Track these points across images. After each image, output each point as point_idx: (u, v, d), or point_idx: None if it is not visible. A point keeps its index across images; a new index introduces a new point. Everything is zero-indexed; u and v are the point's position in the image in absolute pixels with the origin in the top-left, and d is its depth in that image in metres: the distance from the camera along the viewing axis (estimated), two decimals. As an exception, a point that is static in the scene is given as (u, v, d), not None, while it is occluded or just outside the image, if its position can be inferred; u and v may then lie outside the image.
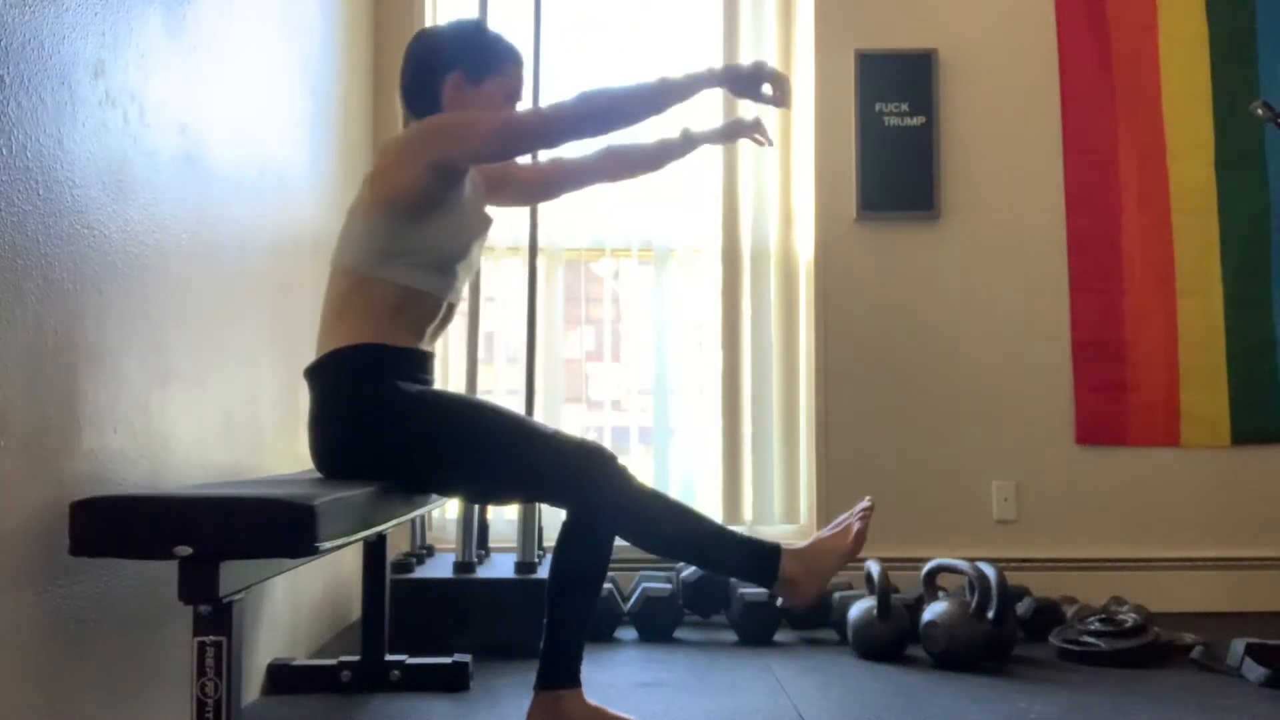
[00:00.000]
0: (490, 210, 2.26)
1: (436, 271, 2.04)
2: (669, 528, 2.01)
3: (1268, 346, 3.66)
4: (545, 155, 2.45)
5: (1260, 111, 2.70)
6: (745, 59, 3.73)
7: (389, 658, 2.51)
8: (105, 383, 1.72)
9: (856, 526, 2.06)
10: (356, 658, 2.51)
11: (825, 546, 2.06)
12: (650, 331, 3.75)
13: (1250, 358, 3.65)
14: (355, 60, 3.43)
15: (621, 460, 2.00)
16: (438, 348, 3.63)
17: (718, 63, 2.10)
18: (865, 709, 2.34)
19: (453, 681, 2.51)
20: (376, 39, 3.68)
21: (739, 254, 3.71)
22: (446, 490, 2.12)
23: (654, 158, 2.43)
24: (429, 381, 2.11)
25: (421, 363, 2.09)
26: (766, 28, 3.76)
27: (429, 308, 2.07)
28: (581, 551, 2.01)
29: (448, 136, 1.97)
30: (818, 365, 3.65)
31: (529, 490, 2.01)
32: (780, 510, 3.67)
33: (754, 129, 2.38)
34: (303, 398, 2.80)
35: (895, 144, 3.67)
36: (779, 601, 2.12)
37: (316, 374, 2.03)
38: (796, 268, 3.74)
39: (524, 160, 2.39)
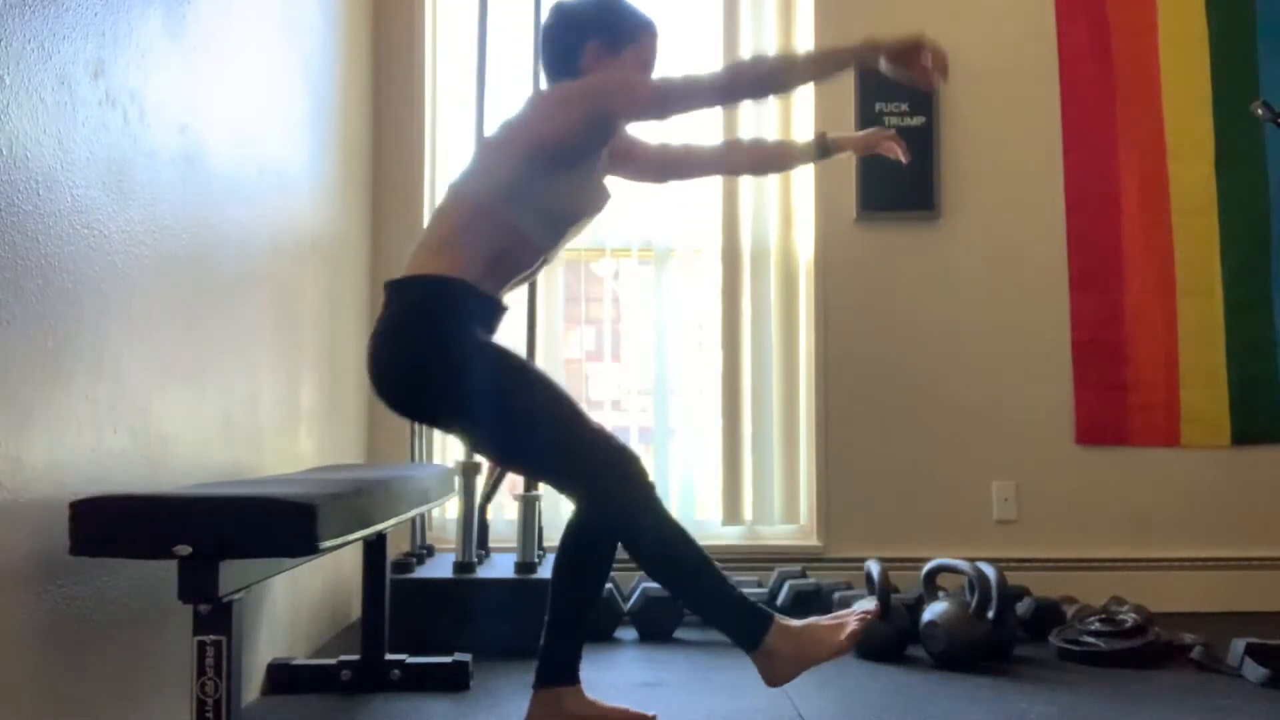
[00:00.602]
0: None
1: (552, 225, 2.06)
2: (674, 554, 1.96)
3: (1268, 346, 3.66)
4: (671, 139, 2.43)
5: (1260, 111, 2.70)
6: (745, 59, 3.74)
7: (389, 657, 2.51)
8: (105, 383, 1.72)
9: (852, 627, 1.97)
10: (356, 657, 2.51)
11: (818, 636, 1.96)
12: (650, 331, 3.75)
13: (1250, 358, 3.65)
14: (355, 60, 3.43)
15: (642, 465, 1.98)
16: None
17: (883, 38, 2.06)
18: (865, 709, 2.34)
19: (453, 681, 2.51)
20: (376, 39, 3.68)
21: (739, 254, 3.70)
22: (479, 438, 2.06)
23: (781, 159, 2.43)
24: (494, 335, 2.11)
25: (497, 314, 2.09)
26: (766, 28, 3.76)
27: (528, 258, 2.08)
28: (585, 550, 2.01)
29: (610, 92, 2.00)
30: (818, 365, 3.65)
31: (554, 466, 1.97)
32: (780, 510, 3.67)
33: (893, 139, 2.37)
34: (303, 397, 2.81)
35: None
36: (760, 675, 2.00)
37: (401, 290, 2.02)
38: (796, 268, 3.73)
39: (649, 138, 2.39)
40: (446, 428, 2.07)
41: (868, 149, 2.44)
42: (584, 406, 2.04)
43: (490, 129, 3.13)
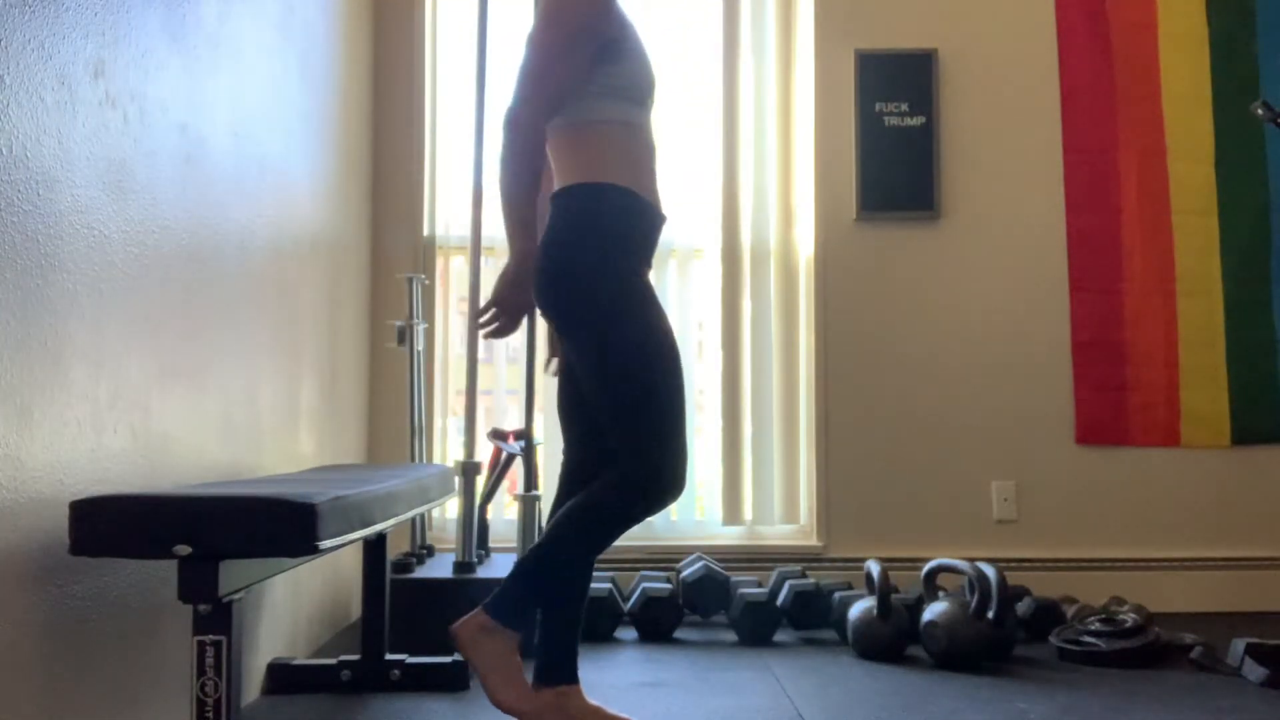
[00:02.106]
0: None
1: (638, 104, 2.06)
2: (572, 575, 2.01)
3: (1268, 346, 3.66)
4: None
5: (1260, 111, 2.70)
6: (745, 59, 3.74)
7: (389, 657, 2.51)
8: (105, 383, 1.72)
9: None
10: (356, 657, 2.51)
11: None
12: (650, 331, 3.74)
13: (1250, 358, 3.65)
14: (355, 60, 3.43)
15: (667, 501, 1.99)
16: (437, 349, 3.64)
17: (510, 267, 2.03)
18: (865, 709, 2.34)
19: (453, 681, 2.51)
20: (376, 39, 3.68)
21: (739, 254, 3.71)
22: (591, 372, 2.02)
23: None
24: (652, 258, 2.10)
25: (658, 229, 2.09)
26: (766, 28, 3.76)
27: (646, 142, 2.08)
28: (574, 538, 2.00)
29: (528, 58, 1.99)
30: (818, 365, 3.65)
31: (623, 427, 1.97)
32: (780, 510, 3.67)
33: (551, 354, 2.31)
34: (303, 397, 2.81)
35: (895, 144, 3.67)
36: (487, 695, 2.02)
37: (569, 198, 2.02)
38: (796, 267, 3.74)
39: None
40: (574, 352, 2.02)
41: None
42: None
43: (490, 129, 3.13)
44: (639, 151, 2.07)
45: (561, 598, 2.04)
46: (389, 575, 2.61)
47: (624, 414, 1.98)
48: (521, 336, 3.31)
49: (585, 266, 1.98)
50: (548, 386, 3.63)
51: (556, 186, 2.07)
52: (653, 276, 2.14)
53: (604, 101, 2.03)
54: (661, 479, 1.96)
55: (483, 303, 2.27)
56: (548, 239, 2.02)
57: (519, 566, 2.00)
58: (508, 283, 2.02)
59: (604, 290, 1.97)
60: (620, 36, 2.05)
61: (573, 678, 2.02)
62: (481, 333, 2.10)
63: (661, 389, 1.96)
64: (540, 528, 3.13)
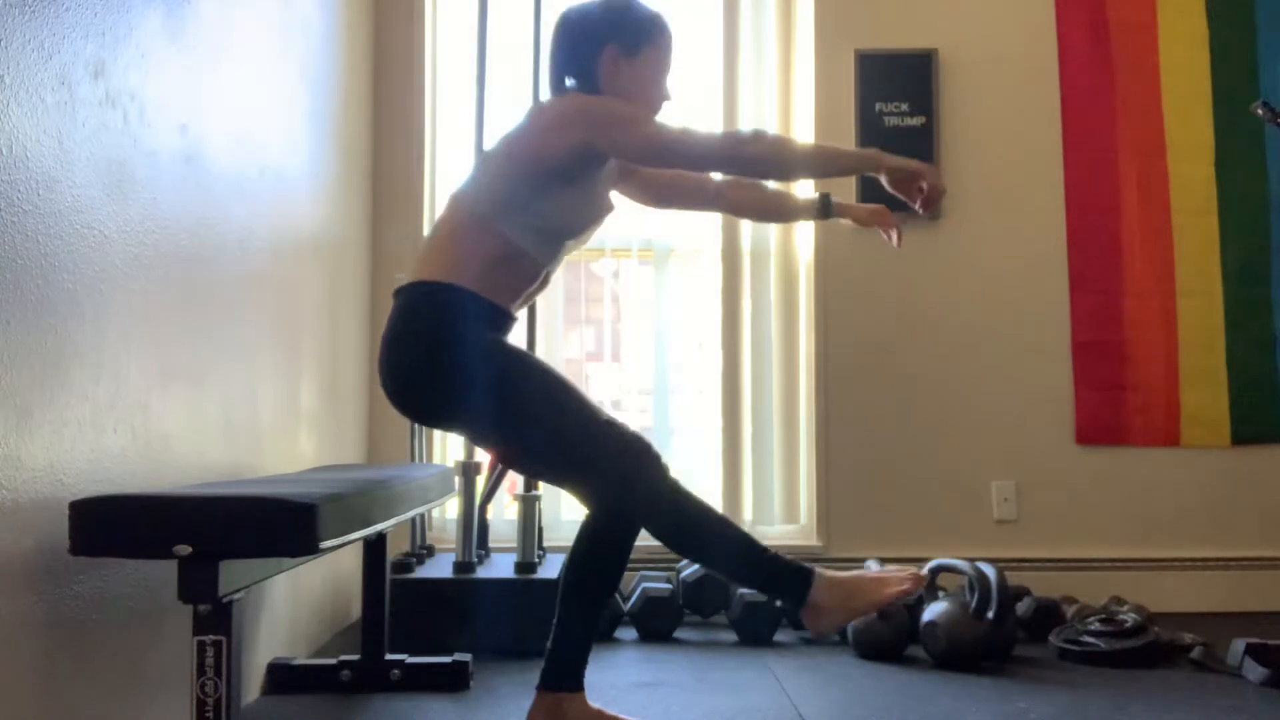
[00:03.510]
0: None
1: (547, 240, 2.05)
2: (702, 533, 1.96)
3: (1268, 346, 3.66)
4: None
5: (1260, 111, 2.70)
6: (745, 59, 3.74)
7: (389, 657, 2.51)
8: (105, 383, 1.72)
9: (899, 587, 1.98)
10: (356, 657, 2.51)
11: (863, 585, 1.99)
12: (650, 331, 3.75)
13: (1250, 358, 3.65)
14: (355, 60, 3.43)
15: (657, 452, 1.97)
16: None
17: (885, 154, 2.05)
18: (865, 709, 2.34)
19: (453, 681, 2.51)
20: (376, 38, 3.68)
21: (739, 254, 3.70)
22: (487, 440, 2.08)
23: (782, 210, 2.42)
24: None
25: (506, 323, 2.09)
26: (766, 28, 3.76)
27: (527, 272, 2.07)
28: (597, 554, 2.00)
29: (607, 124, 1.98)
30: (818, 365, 3.65)
31: (565, 463, 1.97)
32: (780, 510, 3.67)
33: (894, 225, 2.33)
34: (303, 397, 2.81)
35: (895, 144, 3.66)
36: (806, 626, 2.05)
37: (407, 295, 2.02)
38: (796, 268, 3.73)
39: None
40: (454, 429, 2.07)
41: (869, 224, 2.39)
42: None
43: (490, 129, 3.13)
44: (516, 277, 2.05)
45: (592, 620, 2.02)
46: (389, 575, 2.61)
47: (545, 456, 1.98)
48: (521, 336, 3.31)
49: (425, 359, 1.95)
50: (548, 386, 3.62)
51: (413, 276, 2.04)
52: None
53: (520, 226, 2.01)
54: (626, 462, 1.92)
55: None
56: (388, 339, 2.00)
57: (556, 630, 1.98)
58: (898, 161, 2.02)
59: (455, 372, 1.94)
60: (596, 169, 2.04)
61: (577, 685, 2.00)
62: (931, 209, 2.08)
63: (549, 409, 1.93)
64: (540, 528, 3.14)
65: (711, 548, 1.99)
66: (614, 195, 2.29)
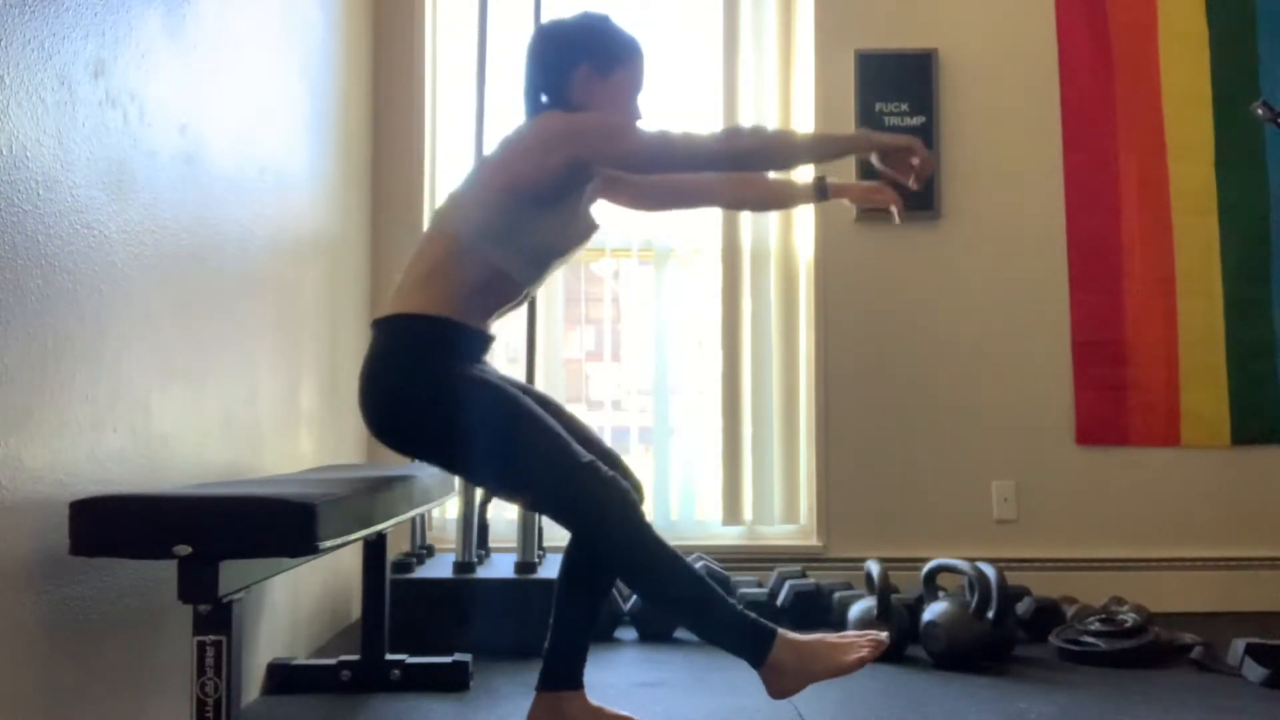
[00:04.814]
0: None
1: (532, 263, 2.04)
2: (670, 583, 1.91)
3: (1268, 346, 3.66)
4: None
5: (1260, 111, 2.70)
6: (745, 59, 3.74)
7: (389, 657, 2.51)
8: (105, 383, 1.72)
9: (863, 653, 1.94)
10: (356, 657, 2.51)
11: (823, 651, 1.95)
12: (650, 331, 3.75)
13: (1250, 358, 3.65)
14: (355, 60, 3.43)
15: (634, 498, 1.92)
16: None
17: (874, 132, 2.06)
18: (865, 709, 2.34)
19: (453, 681, 2.51)
20: (376, 39, 3.68)
21: (739, 254, 3.70)
22: (468, 474, 2.07)
23: (781, 197, 2.40)
24: (485, 363, 2.09)
25: (485, 345, 2.08)
26: (766, 28, 3.76)
27: (510, 293, 2.06)
28: (590, 564, 2.00)
29: (595, 138, 1.96)
30: (818, 365, 3.65)
31: (543, 502, 1.95)
32: (780, 510, 3.67)
33: (892, 199, 2.34)
34: (303, 397, 2.81)
35: (903, 212, 3.66)
36: (765, 688, 1.99)
37: (385, 328, 2.00)
38: (796, 268, 3.73)
39: None
40: (436, 464, 2.04)
41: (865, 200, 2.40)
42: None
43: (490, 130, 3.13)
44: (492, 297, 2.03)
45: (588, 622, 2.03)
46: (389, 575, 2.61)
47: (525, 496, 1.98)
48: (521, 336, 3.31)
49: (403, 394, 1.94)
50: (548, 386, 3.63)
51: (387, 309, 2.02)
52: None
53: (505, 253, 1.99)
54: (600, 511, 1.87)
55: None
56: (365, 373, 1.99)
57: (554, 630, 1.98)
58: (885, 138, 2.04)
59: (429, 407, 1.93)
60: (581, 187, 2.03)
61: (576, 684, 2.01)
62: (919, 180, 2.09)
63: (531, 451, 1.90)
64: (540, 528, 3.14)
65: (680, 599, 1.92)
66: (613, 206, 2.29)
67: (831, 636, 1.99)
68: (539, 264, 2.06)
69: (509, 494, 2.05)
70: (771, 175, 2.43)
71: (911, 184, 2.09)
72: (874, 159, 2.09)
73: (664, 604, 1.95)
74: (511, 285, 2.04)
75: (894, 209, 2.36)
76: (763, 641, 1.92)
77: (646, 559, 1.89)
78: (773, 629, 1.94)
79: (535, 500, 1.96)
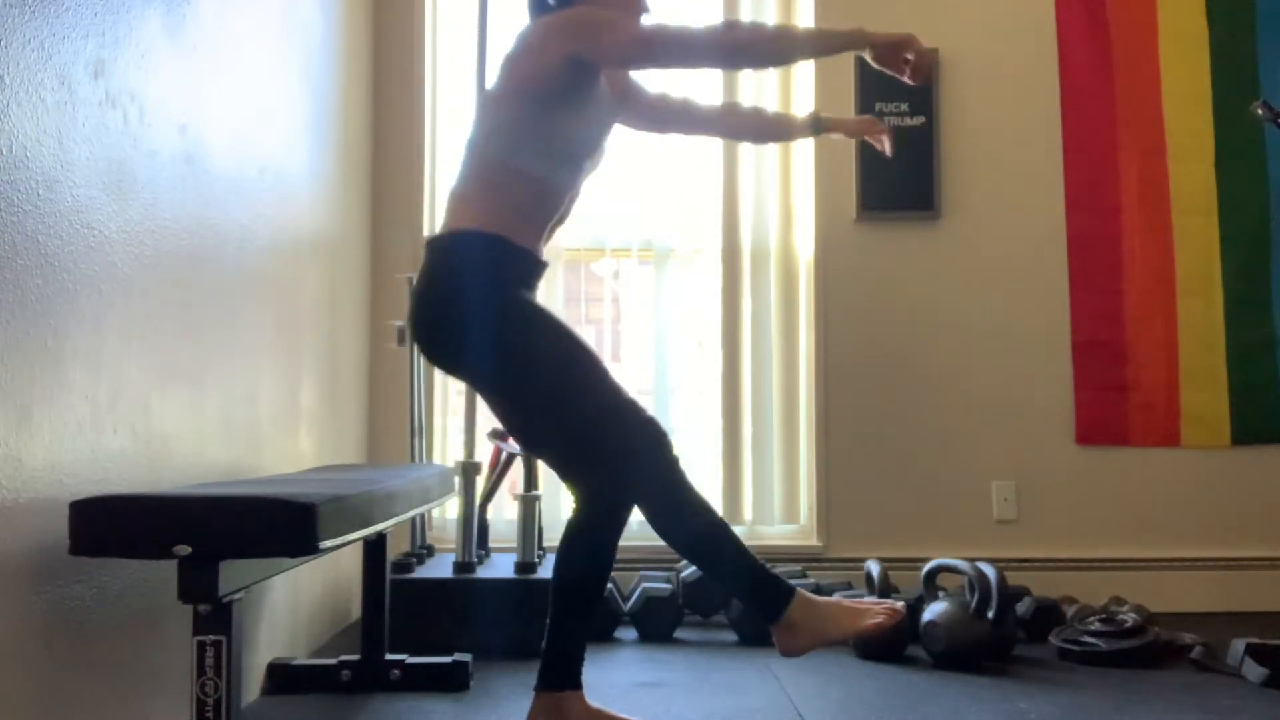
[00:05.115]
0: None
1: (566, 162, 2.05)
2: (702, 530, 1.97)
3: (1268, 346, 3.66)
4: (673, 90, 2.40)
5: (1260, 111, 2.70)
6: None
7: (389, 657, 2.51)
8: (105, 383, 1.72)
9: (879, 619, 1.97)
10: (356, 657, 2.51)
11: (837, 613, 1.97)
12: (650, 331, 3.75)
13: (1250, 358, 3.65)
14: (355, 60, 3.43)
15: (670, 440, 1.98)
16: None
17: (873, 32, 2.04)
18: (865, 709, 2.34)
19: (453, 681, 2.51)
20: (376, 39, 3.68)
21: (739, 254, 3.70)
22: (502, 403, 2.04)
23: (775, 130, 2.40)
24: (535, 293, 2.10)
25: (538, 271, 2.09)
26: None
27: (554, 201, 2.06)
28: (585, 550, 2.00)
29: (590, 32, 1.94)
30: (818, 365, 3.65)
31: (579, 440, 1.96)
32: (780, 510, 3.67)
33: (884, 131, 2.35)
34: (303, 397, 2.81)
35: (895, 144, 3.66)
36: (776, 645, 2.04)
37: (438, 247, 2.01)
38: (796, 268, 3.73)
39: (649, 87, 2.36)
40: (478, 386, 2.05)
41: (858, 134, 2.43)
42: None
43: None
44: (538, 209, 2.04)
45: (585, 616, 2.02)
46: (389, 575, 2.61)
47: (558, 431, 1.97)
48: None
49: (457, 312, 1.96)
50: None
51: (443, 227, 2.03)
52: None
53: (535, 155, 2.00)
54: (642, 452, 1.92)
55: None
56: (418, 290, 2.00)
57: (550, 630, 1.98)
58: (881, 34, 2.02)
59: (482, 327, 1.94)
60: (590, 85, 2.02)
61: (575, 683, 2.01)
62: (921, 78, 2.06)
63: (575, 382, 1.94)
64: (540, 528, 3.14)
65: (708, 546, 1.98)
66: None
67: (848, 601, 2.04)
68: (572, 163, 2.06)
69: (550, 427, 2.01)
70: (769, 111, 2.42)
71: (908, 79, 2.06)
72: (868, 56, 2.06)
73: (693, 545, 1.99)
74: (552, 192, 2.05)
75: (886, 140, 2.36)
76: (781, 597, 1.96)
77: (681, 498, 1.95)
78: (792, 587, 1.98)
79: (576, 436, 1.96)
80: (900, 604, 1.98)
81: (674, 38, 1.92)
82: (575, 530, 2.00)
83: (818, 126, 2.39)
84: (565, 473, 2.03)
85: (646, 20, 2.03)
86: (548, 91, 1.98)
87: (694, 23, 1.94)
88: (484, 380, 2.03)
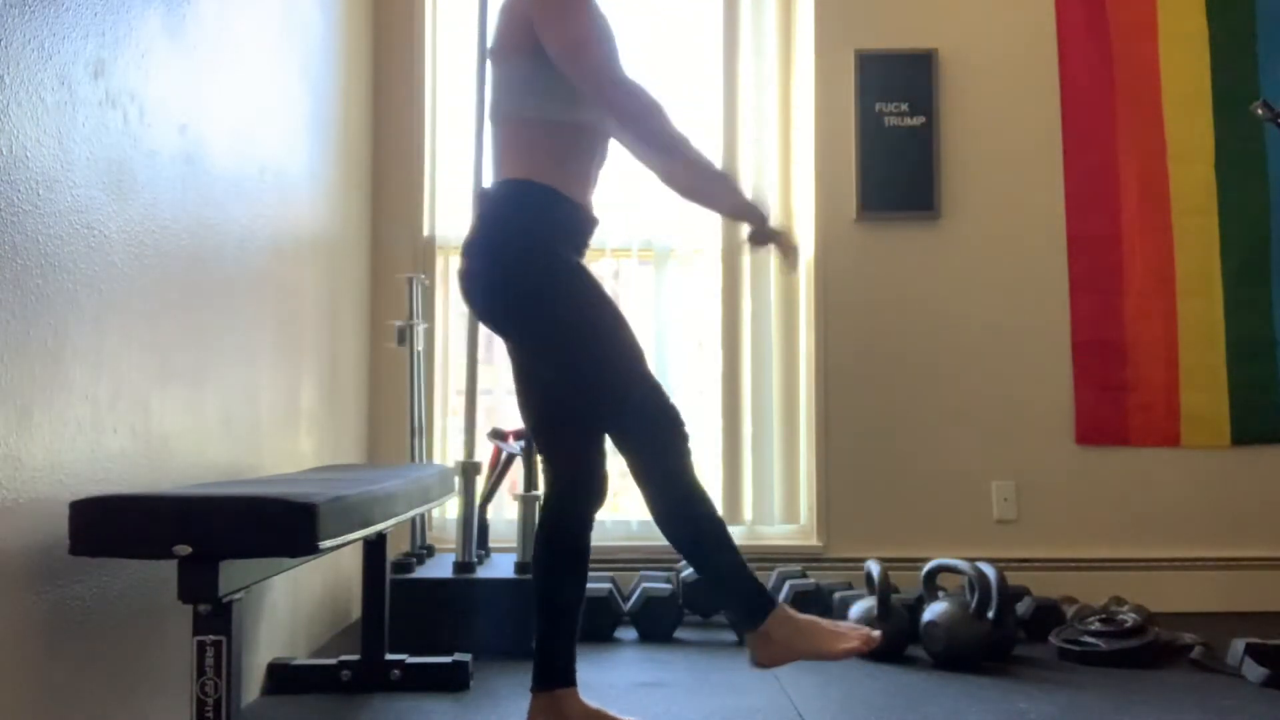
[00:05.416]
0: None
1: (584, 99, 2.03)
2: (702, 525, 1.99)
3: (1268, 346, 3.66)
4: None
5: (1260, 111, 2.70)
6: (745, 59, 3.74)
7: (389, 657, 2.51)
8: (105, 383, 1.72)
9: (851, 644, 1.96)
10: (356, 657, 2.51)
11: (814, 632, 1.98)
12: (650, 331, 3.75)
13: (1250, 358, 3.65)
14: (355, 60, 3.43)
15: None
16: (437, 349, 3.64)
17: (759, 204, 2.14)
18: (865, 709, 2.34)
19: (453, 681, 2.51)
20: (376, 39, 3.68)
21: (739, 254, 3.70)
22: (544, 363, 2.05)
23: (706, 196, 2.30)
24: (584, 253, 2.10)
25: (590, 228, 2.09)
26: (766, 28, 3.76)
27: (593, 145, 2.07)
28: (568, 544, 2.02)
29: (560, 43, 1.94)
30: (818, 365, 3.65)
31: (609, 409, 2.00)
32: (780, 510, 3.67)
33: (788, 252, 2.24)
34: (303, 397, 2.81)
35: (895, 144, 3.67)
36: (749, 654, 2.04)
37: (490, 196, 2.02)
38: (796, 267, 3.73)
39: None
40: (520, 344, 2.05)
41: (758, 243, 2.25)
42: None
43: (490, 127, 3.11)
44: (578, 156, 2.05)
45: (568, 614, 2.04)
46: (389, 575, 2.61)
47: (604, 388, 2.00)
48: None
49: (506, 265, 1.96)
50: (548, 386, 3.62)
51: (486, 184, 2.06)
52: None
53: (558, 102, 2.00)
54: (663, 434, 1.98)
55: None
56: (470, 240, 2.01)
57: (539, 631, 2.00)
58: (757, 211, 2.10)
59: (530, 284, 1.96)
60: (608, 31, 2.04)
61: (569, 681, 2.01)
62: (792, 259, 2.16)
63: (606, 359, 1.99)
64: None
65: (704, 534, 1.99)
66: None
67: (826, 622, 2.04)
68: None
69: (583, 390, 2.03)
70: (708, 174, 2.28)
71: (780, 260, 2.19)
72: (745, 231, 2.16)
73: (689, 534, 2.00)
74: (588, 137, 2.05)
75: (789, 261, 2.27)
76: (763, 607, 1.98)
77: (688, 487, 2.00)
78: (774, 599, 2.00)
79: (609, 406, 1.99)
80: (877, 633, 1.99)
81: (592, 64, 1.94)
82: (548, 530, 2.03)
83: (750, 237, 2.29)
84: (584, 439, 2.05)
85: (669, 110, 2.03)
86: (538, 45, 1.98)
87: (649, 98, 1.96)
88: (519, 337, 2.03)
